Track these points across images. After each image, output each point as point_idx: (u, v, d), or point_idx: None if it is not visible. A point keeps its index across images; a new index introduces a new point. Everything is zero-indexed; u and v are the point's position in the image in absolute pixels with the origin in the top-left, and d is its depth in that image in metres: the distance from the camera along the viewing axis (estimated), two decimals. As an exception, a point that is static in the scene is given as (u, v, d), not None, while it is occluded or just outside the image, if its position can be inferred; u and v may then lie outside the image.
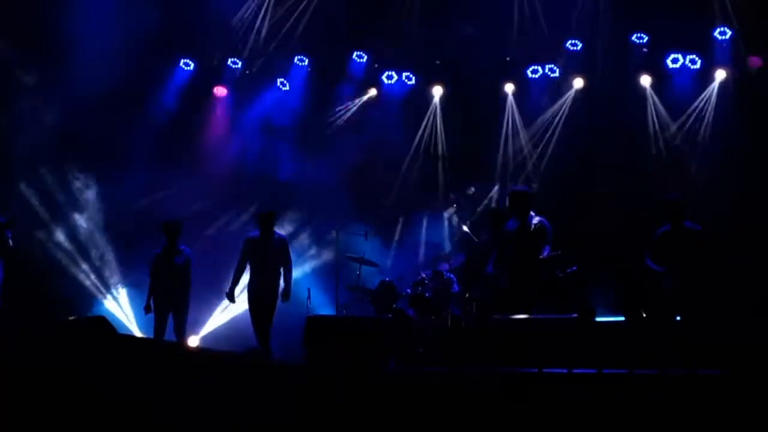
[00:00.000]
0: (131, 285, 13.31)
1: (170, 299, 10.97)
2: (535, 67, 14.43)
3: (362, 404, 6.45)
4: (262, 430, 6.04)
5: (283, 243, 11.00)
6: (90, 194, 13.37)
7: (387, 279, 12.28)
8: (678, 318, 9.57)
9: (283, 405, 6.17)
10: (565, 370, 7.38)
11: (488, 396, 6.63)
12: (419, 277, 12.21)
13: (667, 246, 9.83)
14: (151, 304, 11.03)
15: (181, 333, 10.99)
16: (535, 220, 10.09)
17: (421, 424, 6.32)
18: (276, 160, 14.43)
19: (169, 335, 10.86)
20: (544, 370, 7.34)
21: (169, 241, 11.12)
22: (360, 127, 14.69)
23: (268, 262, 10.78)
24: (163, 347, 8.04)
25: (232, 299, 11.07)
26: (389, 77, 14.82)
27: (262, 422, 6.04)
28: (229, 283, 10.91)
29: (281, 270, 10.88)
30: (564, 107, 14.36)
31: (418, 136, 14.75)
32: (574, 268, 11.07)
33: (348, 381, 6.78)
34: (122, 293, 13.54)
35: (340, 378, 6.81)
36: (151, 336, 10.86)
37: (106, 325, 7.56)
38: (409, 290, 12.11)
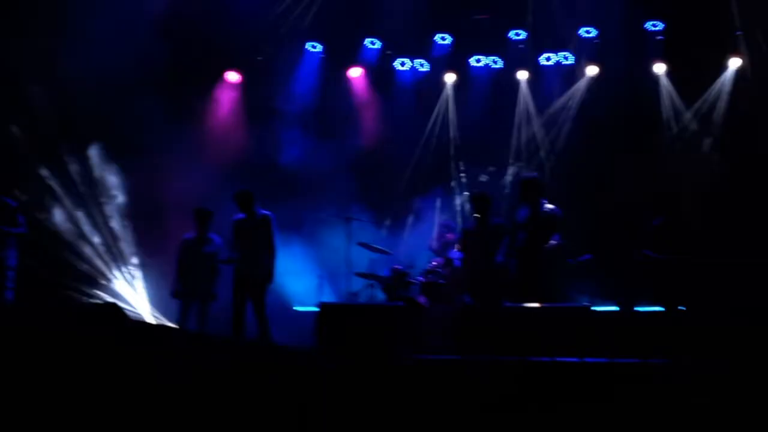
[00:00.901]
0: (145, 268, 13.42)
1: (197, 288, 10.84)
2: (549, 55, 14.50)
3: (375, 391, 6.46)
4: (276, 412, 6.05)
5: (266, 221, 10.56)
6: (106, 176, 13.50)
7: (399, 266, 12.27)
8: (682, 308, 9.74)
9: (293, 392, 6.20)
10: (577, 359, 7.44)
11: (500, 385, 6.65)
12: (431, 265, 12.21)
13: (661, 237, 9.96)
14: (179, 290, 10.91)
15: (204, 323, 10.82)
16: (547, 208, 10.14)
17: (431, 411, 6.36)
18: (284, 147, 14.23)
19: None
20: (557, 359, 7.39)
21: (199, 228, 10.99)
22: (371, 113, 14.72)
23: (253, 243, 10.43)
24: (179, 336, 8.09)
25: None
26: (402, 63, 14.88)
27: (274, 404, 6.05)
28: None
29: (266, 249, 10.49)
30: (577, 94, 14.30)
31: (431, 122, 14.70)
32: (588, 256, 11.08)
33: (361, 368, 6.80)
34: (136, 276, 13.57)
35: (352, 365, 6.83)
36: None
37: (118, 312, 7.60)
38: (421, 278, 12.12)
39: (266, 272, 10.39)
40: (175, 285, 10.96)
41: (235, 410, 5.93)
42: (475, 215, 10.61)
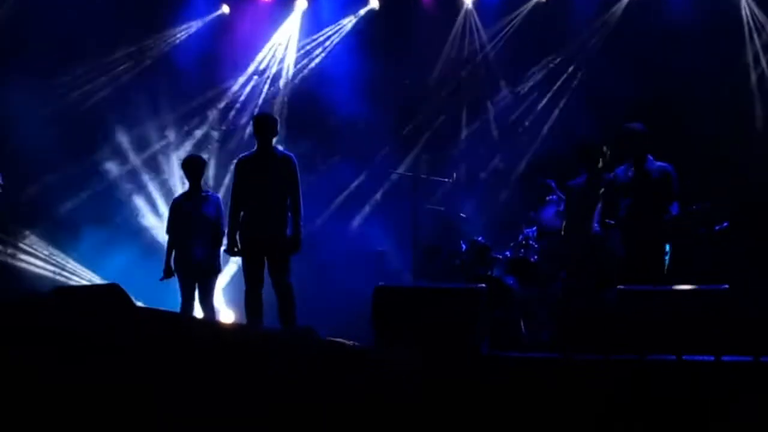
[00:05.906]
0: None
1: (196, 261, 10.54)
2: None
3: (446, 399, 6.41)
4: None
5: (289, 163, 9.75)
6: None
7: (480, 239, 12.00)
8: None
9: (344, 398, 6.16)
10: (712, 358, 7.29)
11: (610, 391, 6.55)
12: (522, 236, 11.99)
13: None
14: (172, 267, 10.61)
15: (209, 305, 10.57)
16: (656, 165, 9.88)
17: (522, 424, 6.28)
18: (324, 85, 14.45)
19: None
20: (684, 357, 7.26)
21: (191, 184, 10.70)
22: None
23: (269, 191, 9.66)
24: (192, 324, 8.09)
25: (232, 250, 9.94)
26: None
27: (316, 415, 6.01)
28: (227, 228, 9.99)
29: (288, 202, 9.73)
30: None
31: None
32: (725, 224, 10.84)
33: (429, 369, 6.74)
34: None
35: (418, 365, 6.77)
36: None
37: (119, 295, 7.65)
38: (508, 253, 11.93)
39: (288, 234, 9.65)
40: (167, 261, 10.74)
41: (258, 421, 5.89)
42: (585, 169, 10.33)
